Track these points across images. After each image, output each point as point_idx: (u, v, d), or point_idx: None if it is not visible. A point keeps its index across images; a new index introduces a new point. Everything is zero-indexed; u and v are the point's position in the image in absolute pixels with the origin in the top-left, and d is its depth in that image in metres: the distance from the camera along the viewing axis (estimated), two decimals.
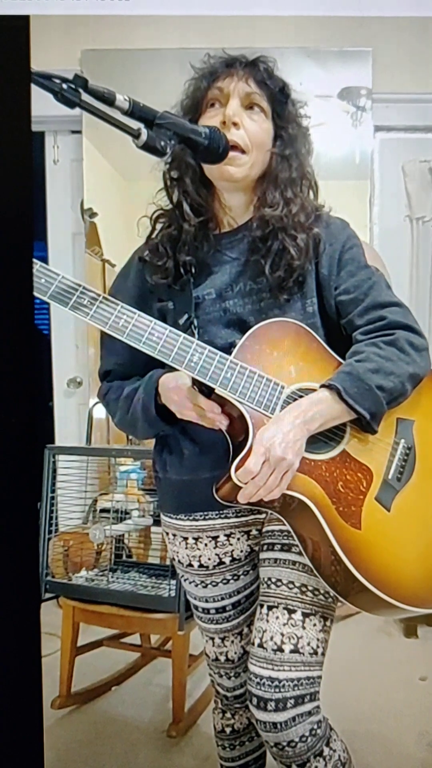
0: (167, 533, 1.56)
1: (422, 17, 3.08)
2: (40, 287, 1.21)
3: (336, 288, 1.43)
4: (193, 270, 1.43)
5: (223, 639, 1.55)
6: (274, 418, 1.29)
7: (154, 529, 2.76)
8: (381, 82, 3.66)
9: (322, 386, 1.31)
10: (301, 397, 1.31)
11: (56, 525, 2.70)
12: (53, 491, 2.66)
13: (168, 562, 2.59)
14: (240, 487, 1.25)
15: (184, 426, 1.42)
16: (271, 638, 1.34)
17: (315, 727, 1.33)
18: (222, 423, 1.32)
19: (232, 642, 1.55)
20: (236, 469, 1.24)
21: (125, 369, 1.49)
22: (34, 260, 1.17)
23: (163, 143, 1.21)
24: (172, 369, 1.33)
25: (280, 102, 1.41)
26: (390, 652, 3.11)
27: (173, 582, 2.39)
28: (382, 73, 3.65)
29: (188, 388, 1.33)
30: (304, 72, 3.56)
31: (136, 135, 1.19)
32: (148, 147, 1.20)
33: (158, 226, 1.48)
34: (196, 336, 1.35)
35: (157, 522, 2.65)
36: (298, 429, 1.25)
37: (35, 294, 1.20)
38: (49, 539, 2.65)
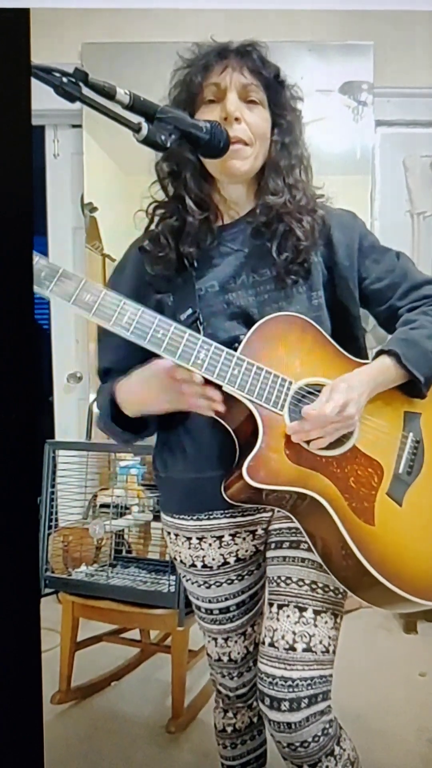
0: (168, 533, 1.53)
1: (423, 11, 3.07)
2: (42, 281, 1.17)
3: (365, 278, 1.45)
4: (195, 263, 1.41)
5: (226, 639, 1.54)
6: (345, 377, 1.30)
7: (154, 524, 2.77)
8: (382, 76, 3.65)
9: (381, 352, 1.35)
10: (310, 393, 1.31)
11: (56, 520, 2.70)
12: (53, 486, 2.66)
13: (168, 558, 2.59)
14: (252, 489, 1.24)
15: (185, 423, 1.41)
16: (283, 637, 1.32)
17: (327, 726, 1.32)
18: (217, 404, 1.28)
19: (236, 642, 1.54)
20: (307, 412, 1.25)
21: (123, 366, 1.43)
22: (35, 254, 1.16)
23: (163, 137, 1.20)
24: None
25: (275, 89, 1.40)
26: (390, 648, 3.12)
27: (173, 578, 2.38)
28: (383, 67, 3.64)
29: (170, 367, 1.26)
30: (305, 66, 3.56)
31: (136, 129, 1.18)
32: (149, 141, 1.20)
33: (157, 218, 1.45)
34: (201, 331, 1.33)
35: (156, 517, 2.65)
36: (365, 394, 1.30)
37: (36, 288, 1.17)
38: (48, 534, 2.65)
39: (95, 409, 3.71)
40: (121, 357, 1.42)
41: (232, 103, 1.33)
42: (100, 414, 1.44)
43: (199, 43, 1.39)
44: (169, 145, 1.21)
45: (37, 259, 1.17)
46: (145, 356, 1.25)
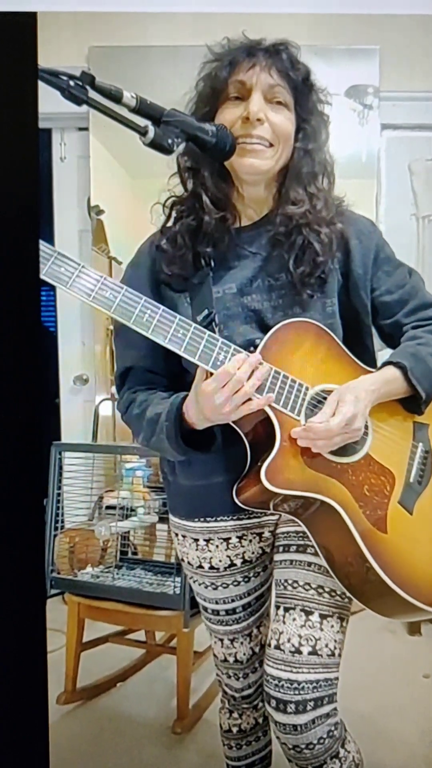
0: (176, 534, 1.53)
1: (429, 15, 3.07)
2: (61, 276, 1.17)
3: (375, 289, 1.44)
4: (213, 264, 1.39)
5: (232, 640, 1.54)
6: (351, 387, 1.29)
7: (159, 526, 2.77)
8: (388, 80, 3.65)
9: (389, 363, 1.35)
10: (325, 399, 1.30)
11: (62, 521, 2.71)
12: (59, 488, 2.67)
13: (173, 560, 2.59)
14: (268, 493, 1.24)
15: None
16: (289, 640, 1.32)
17: (332, 728, 1.32)
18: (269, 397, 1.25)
19: (242, 643, 1.54)
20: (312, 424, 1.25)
21: (146, 364, 1.42)
22: (51, 247, 1.16)
23: (170, 141, 1.21)
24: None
25: (303, 92, 1.38)
26: (394, 650, 3.11)
27: (178, 579, 2.39)
28: (389, 71, 3.63)
29: (206, 377, 1.24)
30: (311, 70, 3.55)
31: (143, 132, 1.19)
32: (155, 145, 1.20)
33: (174, 214, 1.44)
34: (217, 333, 1.30)
35: (162, 519, 2.66)
36: (370, 405, 1.30)
37: (56, 283, 1.16)
38: (54, 536, 2.66)
39: (101, 411, 3.73)
40: (145, 352, 1.39)
41: (255, 104, 1.31)
42: (151, 429, 1.35)
43: (230, 38, 1.37)
44: (175, 148, 1.22)
45: (56, 254, 1.17)
46: (167, 352, 1.23)
